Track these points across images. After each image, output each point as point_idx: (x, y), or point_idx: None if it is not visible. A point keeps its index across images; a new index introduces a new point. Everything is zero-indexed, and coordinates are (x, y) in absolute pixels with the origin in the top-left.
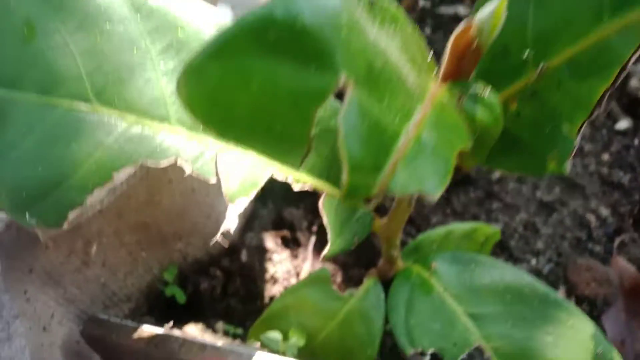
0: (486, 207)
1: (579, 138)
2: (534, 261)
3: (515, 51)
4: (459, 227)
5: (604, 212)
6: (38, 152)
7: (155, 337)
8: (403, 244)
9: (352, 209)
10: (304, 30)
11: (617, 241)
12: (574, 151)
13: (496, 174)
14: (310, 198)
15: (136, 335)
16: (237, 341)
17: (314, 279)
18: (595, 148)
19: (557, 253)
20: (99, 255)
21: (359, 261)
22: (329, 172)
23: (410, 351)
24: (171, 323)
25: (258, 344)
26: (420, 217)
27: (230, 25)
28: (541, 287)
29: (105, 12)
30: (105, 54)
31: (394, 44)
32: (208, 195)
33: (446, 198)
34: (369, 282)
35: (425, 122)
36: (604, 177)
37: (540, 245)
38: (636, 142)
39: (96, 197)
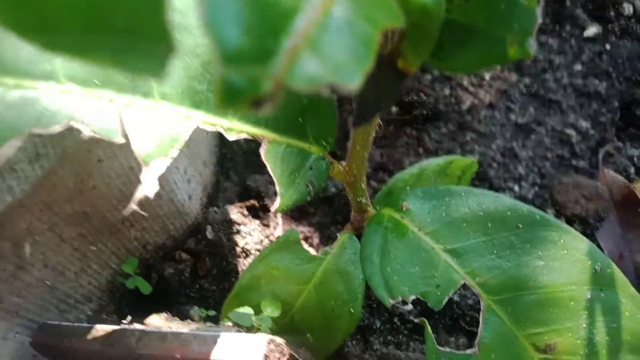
0: (460, 140)
1: (540, 10)
2: (516, 188)
3: None
4: (431, 163)
5: (584, 124)
6: None
7: (110, 335)
8: (378, 191)
9: (303, 155)
10: None
11: (601, 153)
12: (537, 26)
13: (466, 104)
14: None
15: (90, 336)
16: (210, 324)
17: (283, 243)
18: (565, 60)
19: (540, 175)
20: (36, 255)
21: (335, 220)
22: (268, 116)
23: (390, 302)
24: (129, 318)
25: (231, 324)
26: (392, 161)
27: None
28: (524, 207)
29: None
30: None
31: None
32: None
33: (417, 137)
34: (343, 237)
35: None
36: (579, 88)
37: (521, 170)
38: (608, 46)
39: None
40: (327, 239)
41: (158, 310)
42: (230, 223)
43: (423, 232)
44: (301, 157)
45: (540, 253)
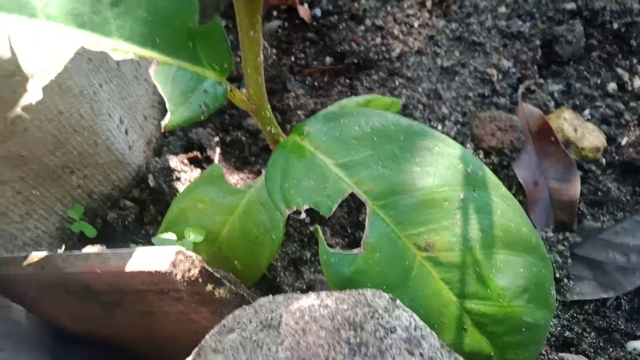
0: (389, 86)
1: None
2: (440, 127)
3: None
4: (351, 101)
5: (506, 64)
6: None
7: (42, 260)
8: None
9: (197, 79)
10: None
11: (521, 89)
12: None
13: (396, 51)
14: (217, 117)
15: (26, 262)
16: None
17: (207, 177)
18: (490, 3)
19: (462, 114)
20: None
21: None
22: (154, 37)
23: (285, 212)
24: (63, 247)
25: None
26: (325, 108)
27: None
28: (404, 120)
29: None
30: None
31: None
32: (84, 119)
33: (350, 85)
34: (265, 172)
35: None
36: (502, 30)
37: (445, 110)
38: None
39: None
40: None
41: None
42: (171, 171)
43: (318, 151)
44: (195, 81)
45: (417, 159)
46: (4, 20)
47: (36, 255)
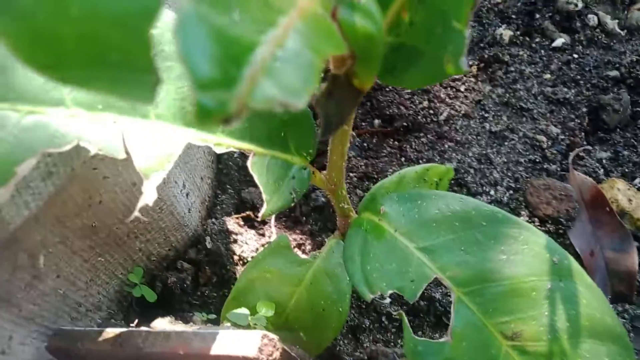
0: (439, 149)
1: (468, 31)
2: (492, 192)
3: None
4: (410, 170)
5: (554, 130)
6: None
7: (119, 337)
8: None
9: (286, 166)
10: None
11: (571, 156)
12: (467, 45)
13: (443, 115)
14: None
15: (100, 339)
16: (210, 326)
17: (274, 248)
18: (535, 70)
19: (514, 179)
20: (50, 266)
21: (325, 227)
22: (252, 130)
23: (370, 297)
24: (136, 321)
25: (229, 325)
26: (376, 170)
27: None
28: (486, 207)
29: None
30: None
31: None
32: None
33: (399, 147)
34: (331, 242)
35: (289, 31)
36: (548, 96)
37: (496, 175)
38: (575, 56)
39: (4, 196)
40: (318, 245)
41: (162, 316)
42: (228, 233)
43: (398, 233)
44: (284, 168)
45: (503, 248)
46: (117, 120)
47: (112, 331)
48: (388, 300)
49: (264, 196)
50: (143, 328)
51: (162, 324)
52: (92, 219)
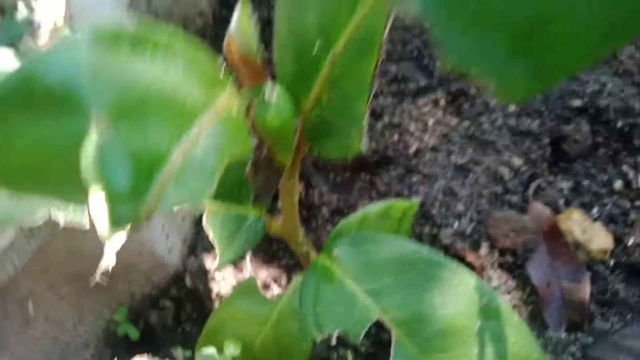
0: (407, 182)
1: (366, 116)
2: (456, 224)
3: (309, 48)
4: (373, 208)
5: (517, 162)
6: None
7: None
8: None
9: (240, 219)
10: (45, 87)
11: (532, 187)
12: (366, 128)
13: (412, 148)
14: None
15: None
16: None
17: (243, 289)
18: (500, 102)
19: (477, 211)
20: (39, 312)
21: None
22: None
23: (318, 337)
24: (126, 356)
25: None
26: (348, 205)
27: None
28: (424, 251)
29: None
30: None
31: (172, 69)
32: (131, 234)
33: (370, 181)
34: (297, 281)
35: (196, 138)
36: (512, 128)
37: (460, 207)
38: None
39: None
40: (291, 279)
41: (147, 352)
42: (206, 271)
43: (347, 276)
44: (239, 220)
45: (438, 290)
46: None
47: None
48: (334, 340)
49: (217, 249)
50: None
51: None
52: (76, 267)
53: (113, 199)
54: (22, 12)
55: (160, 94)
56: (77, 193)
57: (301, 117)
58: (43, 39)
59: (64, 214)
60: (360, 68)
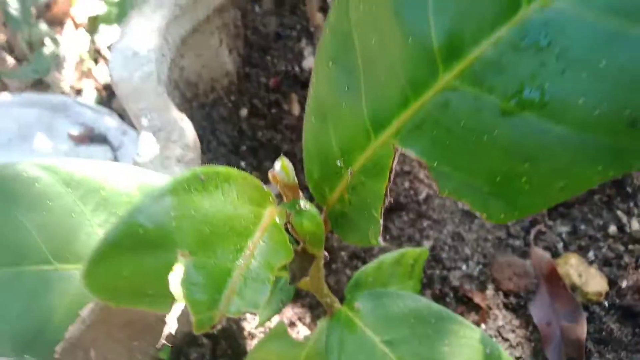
0: (418, 227)
1: (381, 220)
2: (464, 267)
3: (333, 162)
4: (388, 256)
5: None
6: (23, 309)
7: None
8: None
9: (275, 281)
10: (145, 232)
11: (532, 233)
12: (381, 229)
13: (422, 194)
14: None
15: None
16: None
17: (274, 334)
18: None
19: (482, 255)
20: (99, 356)
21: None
22: None
23: None
24: None
25: None
26: (364, 249)
27: (99, 242)
28: (435, 306)
29: (44, 193)
30: (52, 224)
31: (229, 196)
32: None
33: (385, 226)
34: (322, 325)
35: (254, 251)
36: None
37: (467, 251)
38: None
39: (72, 332)
40: (317, 317)
41: None
42: None
43: (368, 328)
44: (273, 282)
45: (446, 341)
46: None
47: None
48: None
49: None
50: None
51: None
52: (130, 315)
53: (195, 309)
54: (49, 47)
55: (223, 222)
56: (164, 305)
57: (326, 210)
58: (68, 71)
59: None
60: (374, 184)
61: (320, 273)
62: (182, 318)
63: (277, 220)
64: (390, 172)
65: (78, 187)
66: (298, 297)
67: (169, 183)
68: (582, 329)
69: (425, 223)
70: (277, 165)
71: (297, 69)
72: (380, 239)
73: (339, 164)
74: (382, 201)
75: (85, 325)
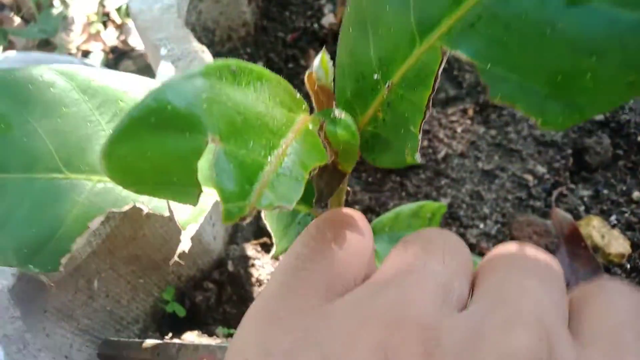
0: (436, 185)
1: (420, 135)
2: (482, 225)
3: (369, 76)
4: (406, 207)
5: (541, 170)
6: (30, 217)
7: (157, 347)
8: None
9: (293, 214)
10: (174, 110)
11: (554, 194)
12: (420, 145)
13: (441, 154)
14: None
15: (142, 348)
16: (230, 339)
17: None
18: None
19: (502, 215)
20: (102, 288)
21: None
22: None
23: None
24: (170, 334)
25: None
26: (379, 204)
27: (124, 116)
28: None
29: (60, 99)
30: (66, 132)
31: (261, 95)
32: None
33: (400, 183)
34: None
35: (287, 150)
36: (537, 138)
37: (486, 210)
38: None
39: (79, 244)
40: None
41: (191, 330)
42: (247, 258)
43: None
44: (291, 215)
45: None
46: None
47: (151, 342)
48: None
49: (274, 240)
50: (176, 340)
51: (191, 337)
52: (136, 249)
53: (225, 199)
54: (57, 8)
55: (255, 118)
56: (190, 195)
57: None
58: (76, 33)
59: (147, 203)
60: (414, 97)
61: (341, 202)
62: (189, 261)
63: (311, 127)
64: (435, 80)
65: (95, 96)
66: None
67: (201, 67)
68: None
69: (443, 181)
70: (317, 60)
71: (315, 25)
72: (417, 156)
73: (375, 77)
74: (423, 114)
75: (92, 248)
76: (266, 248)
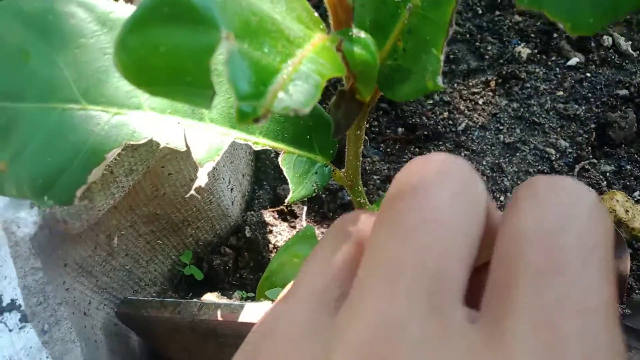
0: None
1: (443, 57)
2: (502, 198)
3: (390, 0)
4: None
5: (563, 144)
6: (45, 147)
7: (178, 306)
8: None
9: (311, 162)
10: (188, 2)
11: (577, 168)
12: (442, 66)
13: (462, 125)
14: None
15: (162, 307)
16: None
17: (302, 237)
18: (549, 87)
19: None
20: (121, 246)
21: None
22: (283, 133)
23: None
24: (190, 294)
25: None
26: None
27: (136, 8)
28: None
29: (79, 30)
30: (84, 63)
31: (277, 7)
32: (206, 183)
33: (419, 154)
34: None
35: (303, 59)
36: (560, 112)
37: (507, 183)
38: (588, 74)
39: (95, 176)
40: None
41: (209, 292)
42: (264, 224)
43: None
44: (309, 164)
45: None
46: (180, 122)
47: (171, 301)
48: None
49: (290, 186)
50: (196, 300)
51: (211, 297)
52: (157, 207)
53: (239, 97)
54: None
55: (271, 22)
56: (203, 97)
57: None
58: None
59: (163, 137)
60: (437, 15)
61: (357, 161)
62: (206, 225)
63: (327, 45)
64: None
65: (114, 28)
66: (325, 218)
67: None
68: (625, 265)
69: (464, 153)
70: None
71: None
72: (439, 79)
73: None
74: (446, 32)
75: (114, 201)
76: (283, 216)
